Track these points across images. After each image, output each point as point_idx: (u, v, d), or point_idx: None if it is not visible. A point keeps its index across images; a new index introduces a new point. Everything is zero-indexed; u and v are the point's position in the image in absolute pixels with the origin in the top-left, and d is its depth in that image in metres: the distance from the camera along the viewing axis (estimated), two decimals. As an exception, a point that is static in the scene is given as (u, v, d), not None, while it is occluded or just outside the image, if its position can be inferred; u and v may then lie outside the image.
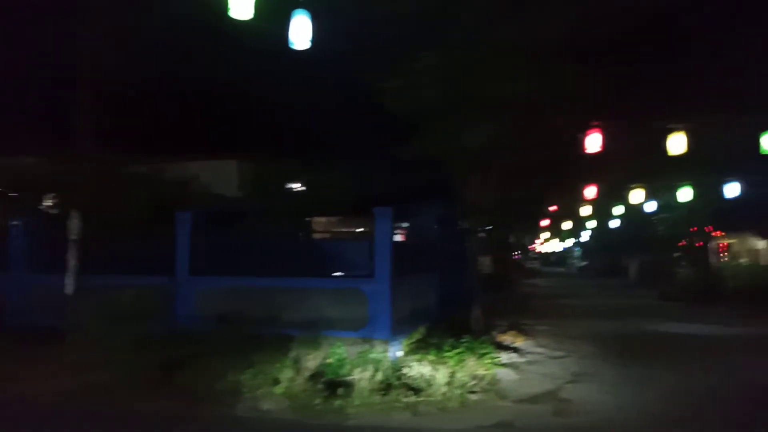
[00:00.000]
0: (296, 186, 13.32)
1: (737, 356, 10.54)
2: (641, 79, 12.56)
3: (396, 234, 11.17)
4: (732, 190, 15.91)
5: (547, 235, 50.34)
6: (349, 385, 7.23)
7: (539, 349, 11.20)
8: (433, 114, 8.64)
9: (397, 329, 9.01)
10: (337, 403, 6.82)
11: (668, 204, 22.63)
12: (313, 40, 5.85)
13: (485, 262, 25.00)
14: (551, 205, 25.57)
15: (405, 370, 7.75)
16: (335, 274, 9.79)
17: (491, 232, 20.09)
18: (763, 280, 18.40)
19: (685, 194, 17.94)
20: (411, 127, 9.06)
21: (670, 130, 10.11)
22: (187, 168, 13.75)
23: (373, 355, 8.23)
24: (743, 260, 22.62)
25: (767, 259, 20.90)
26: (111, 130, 9.14)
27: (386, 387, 7.32)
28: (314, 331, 8.39)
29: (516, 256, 37.01)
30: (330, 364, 8.24)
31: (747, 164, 14.43)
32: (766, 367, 9.48)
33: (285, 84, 11.88)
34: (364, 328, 8.76)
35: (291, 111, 12.99)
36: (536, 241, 55.09)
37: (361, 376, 7.22)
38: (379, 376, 7.40)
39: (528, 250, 51.74)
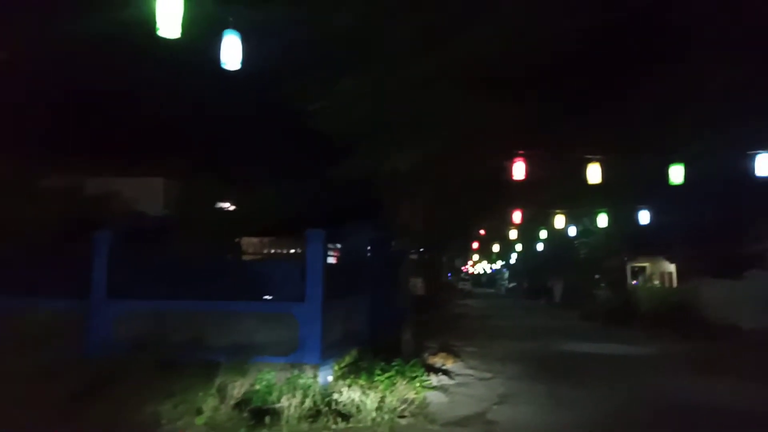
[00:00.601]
0: (225, 205, 12.97)
1: (649, 375, 11.17)
2: (563, 111, 13.31)
3: (328, 256, 11.09)
4: (644, 217, 17.06)
5: (477, 257, 51.84)
6: (276, 413, 7.01)
7: (468, 371, 11.39)
8: (361, 137, 8.73)
9: (328, 353, 8.87)
10: (264, 432, 6.60)
11: (588, 229, 23.97)
12: (244, 61, 5.78)
13: (417, 284, 25.29)
14: (481, 228, 26.37)
15: (335, 396, 7.62)
16: (265, 296, 9.54)
17: (423, 254, 20.40)
18: (671, 302, 19.72)
19: (602, 220, 19.08)
20: (341, 149, 9.10)
21: (588, 161, 10.75)
22: (109, 184, 13.09)
23: (302, 381, 8.04)
24: (656, 283, 24.13)
25: (676, 282, 22.42)
26: (22, 141, 8.53)
27: (315, 413, 7.15)
28: (242, 357, 8.08)
29: (447, 278, 37.66)
30: (257, 391, 7.96)
31: (657, 194, 15.54)
32: (673, 386, 10.11)
33: (216, 103, 11.64)
34: (294, 353, 8.55)
35: (222, 129, 12.72)
36: (468, 262, 56.52)
37: (290, 403, 7.02)
38: (308, 403, 7.23)
39: (459, 272, 52.83)
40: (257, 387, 8.01)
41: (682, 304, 18.89)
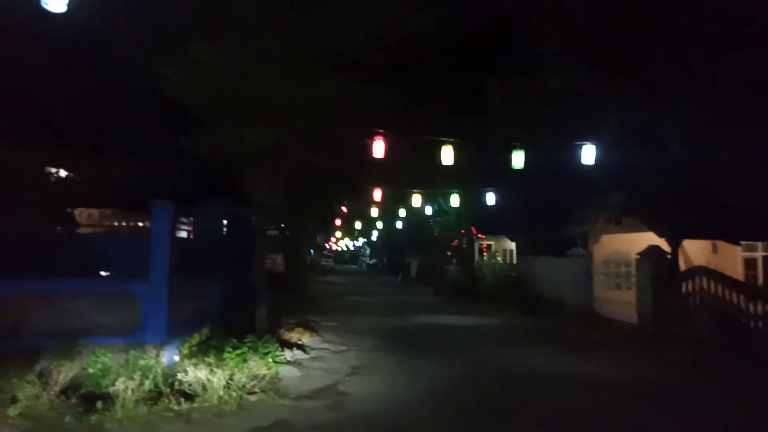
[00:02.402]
0: (57, 172, 11.50)
1: (489, 345, 12.22)
2: (421, 95, 13.88)
3: (180, 231, 10.44)
4: (490, 198, 18.52)
5: (340, 234, 52.52)
6: (111, 397, 6.48)
7: (324, 345, 11.53)
8: (217, 109, 8.28)
9: (174, 332, 8.39)
10: (95, 418, 6.06)
11: (442, 209, 25.46)
12: (71, 4, 5.09)
13: (278, 261, 24.95)
14: (343, 205, 26.70)
15: (180, 376, 7.23)
16: (103, 273, 8.72)
17: (284, 230, 20.13)
18: (510, 277, 21.79)
19: (454, 200, 20.39)
20: (196, 119, 8.55)
21: (442, 143, 11.33)
22: None
23: (144, 362, 7.52)
24: (499, 259, 26.43)
25: (516, 259, 24.75)
26: None
27: (156, 395, 6.75)
28: (72, 339, 7.33)
29: (310, 254, 37.70)
30: (91, 375, 7.31)
31: (502, 177, 16.96)
32: (510, 354, 11.19)
33: (53, 62, 10.21)
34: (134, 333, 7.97)
35: (55, 89, 11.16)
36: (330, 239, 57.03)
37: (127, 386, 6.52)
38: (149, 385, 6.79)
39: (322, 248, 53.13)
40: (91, 371, 7.35)
41: (519, 279, 20.95)
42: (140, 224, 14.42)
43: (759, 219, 10.94)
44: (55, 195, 10.21)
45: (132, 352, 7.80)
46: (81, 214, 12.25)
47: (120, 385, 6.48)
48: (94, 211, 14.01)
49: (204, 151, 8.67)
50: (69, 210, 11.00)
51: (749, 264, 15.31)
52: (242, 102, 8.13)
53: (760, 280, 14.43)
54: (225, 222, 12.24)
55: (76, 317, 7.79)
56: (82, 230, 11.36)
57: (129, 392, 6.45)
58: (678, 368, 9.68)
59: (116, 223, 14.11)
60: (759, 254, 15.05)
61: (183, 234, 13.23)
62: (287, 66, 7.97)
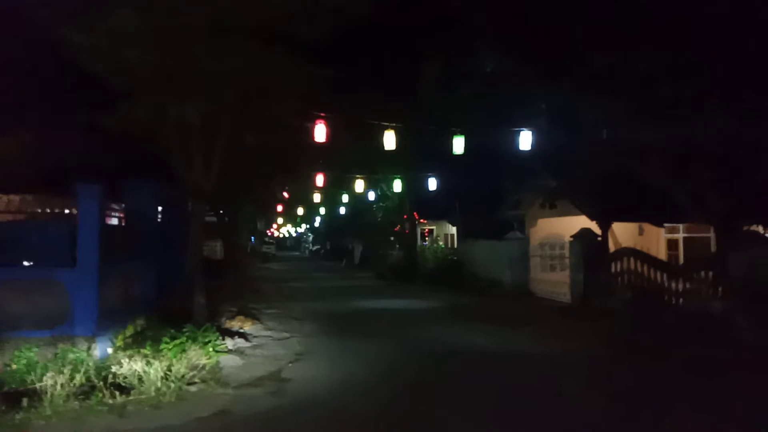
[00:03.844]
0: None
1: (428, 325, 12.50)
2: (363, 80, 13.80)
3: (111, 215, 9.93)
4: (431, 183, 18.78)
5: (281, 220, 51.76)
6: (38, 394, 6.13)
7: (266, 332, 11.38)
8: (141, 82, 7.84)
9: (106, 323, 8.03)
10: (19, 416, 5.71)
11: (385, 194, 25.59)
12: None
13: (216, 247, 24.31)
14: (285, 190, 26.28)
15: (114, 369, 6.93)
16: (25, 262, 8.17)
17: (222, 216, 19.60)
18: (450, 260, 22.28)
19: (397, 185, 20.54)
20: (120, 94, 8.07)
21: (385, 128, 11.34)
22: None
23: (74, 356, 7.18)
24: (441, 244, 26.94)
25: (456, 243, 25.31)
26: None
27: (88, 390, 6.44)
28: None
29: (251, 241, 36.95)
30: (15, 371, 6.89)
31: (443, 162, 17.21)
32: (447, 333, 11.49)
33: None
34: (62, 325, 7.57)
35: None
36: (272, 225, 56.14)
37: (55, 381, 6.18)
38: (80, 379, 6.47)
39: (264, 235, 52.24)
40: (14, 367, 6.93)
41: (459, 262, 21.46)
42: (66, 211, 13.58)
43: (680, 202, 11.67)
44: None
45: (60, 345, 7.43)
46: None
47: (48, 380, 6.13)
48: (14, 197, 13.04)
49: (131, 128, 8.18)
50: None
51: (671, 245, 16.37)
52: (168, 74, 7.73)
53: (681, 260, 15.46)
54: (159, 207, 11.75)
55: (-4, 310, 7.29)
56: (1, 217, 10.56)
57: (58, 387, 6.12)
58: (599, 341, 10.35)
59: (39, 210, 13.19)
60: (680, 236, 16.10)
61: (114, 220, 12.61)
62: (215, 37, 7.65)
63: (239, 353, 9.25)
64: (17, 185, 11.25)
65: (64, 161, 11.32)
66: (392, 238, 29.29)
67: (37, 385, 6.25)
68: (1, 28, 8.56)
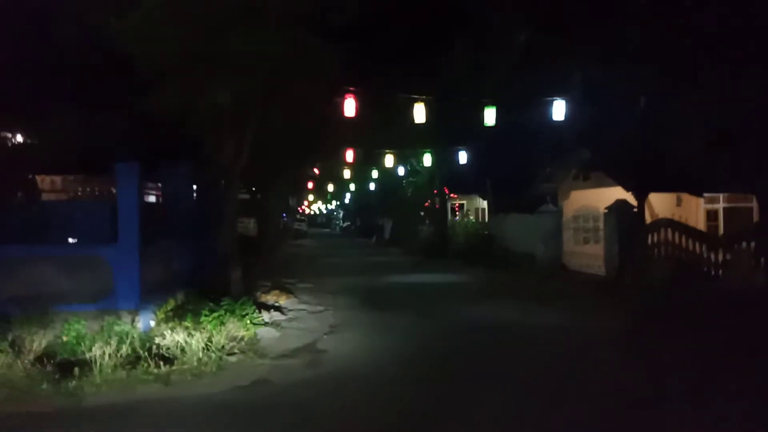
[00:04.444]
0: (16, 138, 10.98)
1: (458, 300, 12.50)
2: (393, 53, 13.65)
3: (149, 194, 10.22)
4: (462, 157, 18.59)
5: (312, 197, 52.23)
6: (88, 363, 6.44)
7: (301, 306, 11.62)
8: (175, 65, 7.95)
9: (148, 298, 8.32)
10: (72, 384, 6.02)
11: (415, 169, 25.48)
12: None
13: (250, 225, 24.75)
14: (315, 167, 26.46)
15: (157, 340, 7.23)
16: (70, 240, 8.51)
17: (255, 194, 19.89)
18: (481, 235, 22.14)
19: (427, 160, 20.41)
20: (156, 77, 8.22)
21: (414, 101, 11.23)
22: None
23: (119, 328, 7.48)
24: (471, 218, 26.76)
25: (488, 217, 25.10)
26: None
27: (134, 360, 6.74)
28: (42, 308, 7.21)
29: (283, 218, 37.45)
30: (65, 343, 7.25)
31: (474, 135, 17.00)
32: (478, 308, 11.46)
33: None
34: (107, 299, 7.88)
35: (6, 51, 10.52)
36: (303, 202, 56.71)
37: (103, 351, 6.48)
38: (126, 350, 6.76)
39: (295, 212, 52.86)
40: (65, 338, 7.28)
41: (490, 237, 21.30)
42: (107, 190, 14.04)
43: (720, 172, 11.29)
44: (13, 160, 9.80)
45: (106, 318, 7.74)
46: (43, 180, 11.83)
47: (97, 350, 6.43)
48: (57, 178, 13.55)
49: (165, 111, 8.34)
50: (30, 176, 10.61)
51: (711, 215, 15.85)
52: (199, 57, 7.81)
53: (721, 231, 14.99)
54: (194, 187, 12.01)
55: (46, 285, 7.64)
56: (45, 197, 11.00)
57: (106, 357, 6.43)
58: (635, 316, 10.13)
59: (80, 190, 13.67)
60: (720, 206, 15.58)
61: (152, 199, 12.96)
62: (247, 19, 7.67)
63: (275, 326, 9.48)
64: (60, 166, 11.68)
65: (104, 144, 11.66)
66: (422, 214, 29.23)
67: (87, 355, 6.56)
68: (41, 16, 8.80)
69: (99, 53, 9.31)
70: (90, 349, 6.59)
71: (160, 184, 10.59)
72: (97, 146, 11.75)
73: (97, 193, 14.88)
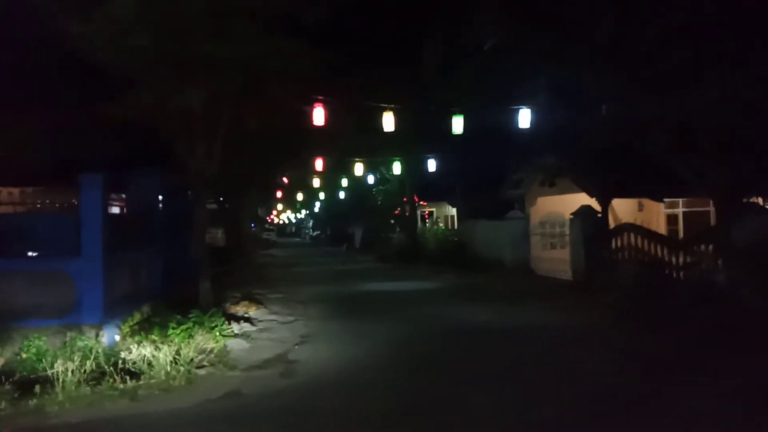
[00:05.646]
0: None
1: (430, 306, 12.53)
2: (361, 62, 13.71)
3: (111, 205, 9.97)
4: (431, 165, 18.75)
5: (281, 206, 51.78)
6: (50, 381, 6.22)
7: (272, 317, 11.48)
8: (141, 70, 7.82)
9: (113, 311, 8.10)
10: (33, 402, 5.80)
11: (384, 177, 25.58)
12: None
13: (218, 235, 24.37)
14: (284, 176, 26.26)
15: (123, 355, 7.03)
16: (30, 253, 8.22)
17: (223, 203, 19.62)
18: (451, 242, 22.33)
19: (396, 168, 20.51)
20: (122, 82, 8.05)
21: (383, 109, 11.29)
22: None
23: (83, 343, 7.26)
24: (441, 225, 26.98)
25: (457, 224, 25.34)
26: None
27: (99, 376, 6.54)
28: (0, 324, 6.94)
29: (251, 228, 36.99)
30: (25, 360, 6.99)
31: (442, 144, 17.18)
32: (451, 312, 11.57)
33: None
34: (70, 314, 7.64)
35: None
36: (272, 212, 56.18)
37: (66, 367, 6.27)
38: (89, 365, 6.56)
39: (264, 221, 52.30)
40: (24, 355, 7.03)
41: (460, 243, 21.51)
42: (70, 202, 13.63)
43: (681, 177, 11.68)
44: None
45: (69, 333, 7.50)
46: (0, 192, 11.41)
47: (59, 367, 6.22)
48: (14, 190, 13.07)
49: (134, 117, 8.16)
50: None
51: (671, 220, 16.43)
52: (168, 61, 7.70)
53: (681, 234, 15.52)
54: (163, 196, 11.77)
55: (4, 301, 7.36)
56: (3, 210, 10.61)
57: (69, 374, 6.22)
58: (603, 315, 10.38)
59: (40, 202, 13.24)
60: (680, 210, 16.15)
61: (116, 210, 12.63)
62: (215, 21, 7.60)
63: (246, 337, 9.35)
64: (19, 178, 11.27)
65: (66, 153, 11.31)
66: (392, 222, 29.32)
67: (49, 372, 6.34)
68: (2, 20, 8.51)
69: (62, 56, 9.04)
70: (52, 366, 6.37)
71: (125, 194, 10.33)
72: (59, 156, 11.39)
73: (57, 205, 14.44)
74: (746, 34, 8.33)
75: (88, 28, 7.03)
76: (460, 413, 5.53)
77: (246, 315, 11.34)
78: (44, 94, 11.11)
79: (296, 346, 8.82)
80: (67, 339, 7.38)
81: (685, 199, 15.74)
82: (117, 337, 8.02)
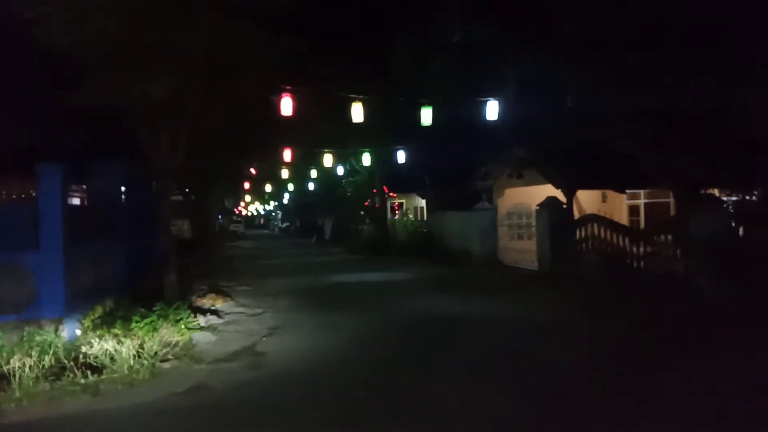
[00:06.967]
0: None
1: (400, 297, 12.60)
2: (329, 52, 13.58)
3: (73, 196, 9.68)
4: (400, 156, 18.78)
5: (249, 198, 51.14)
6: (6, 377, 6.03)
7: (239, 309, 11.36)
8: (103, 57, 7.57)
9: (74, 305, 7.89)
10: (-12, 401, 5.62)
11: (354, 168, 25.49)
12: None
13: (184, 227, 23.93)
14: (252, 167, 25.91)
15: (84, 349, 6.86)
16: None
17: (189, 195, 19.25)
18: (420, 233, 22.46)
19: (366, 159, 20.47)
20: (82, 70, 7.79)
21: (352, 100, 11.22)
22: None
23: (41, 338, 7.04)
24: (411, 217, 27.09)
25: (426, 216, 25.49)
26: None
27: (59, 371, 6.37)
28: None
29: (218, 220, 36.43)
30: (-21, 357, 6.74)
31: (412, 134, 17.21)
32: (419, 303, 11.66)
33: None
34: (28, 309, 7.41)
35: None
36: (240, 203, 55.43)
37: (23, 363, 6.08)
38: (48, 360, 6.38)
39: (231, 213, 51.56)
40: (-21, 352, 6.77)
41: (429, 234, 21.66)
42: (29, 192, 13.15)
43: (645, 169, 12.00)
44: None
45: (27, 328, 7.28)
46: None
47: (16, 362, 6.03)
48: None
49: (95, 107, 7.91)
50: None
51: (633, 210, 16.89)
52: (130, 48, 7.47)
53: (642, 224, 15.97)
54: (126, 188, 11.49)
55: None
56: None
57: (27, 369, 6.04)
58: (568, 305, 10.69)
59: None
60: (641, 201, 16.62)
61: (77, 201, 12.27)
62: (178, 8, 7.41)
63: (212, 330, 9.24)
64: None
65: (26, 142, 10.91)
66: (362, 213, 29.28)
67: (4, 368, 6.14)
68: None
69: (21, 41, 8.67)
70: (8, 362, 6.17)
71: (87, 185, 10.04)
72: (17, 144, 10.97)
73: (14, 196, 13.94)
74: (709, 40, 8.59)
75: (45, 11, 6.76)
76: (427, 405, 5.57)
77: (213, 307, 11.19)
78: (1, 80, 10.67)
79: (264, 338, 8.76)
80: (25, 334, 7.16)
81: (646, 191, 16.20)
82: (78, 332, 7.82)
